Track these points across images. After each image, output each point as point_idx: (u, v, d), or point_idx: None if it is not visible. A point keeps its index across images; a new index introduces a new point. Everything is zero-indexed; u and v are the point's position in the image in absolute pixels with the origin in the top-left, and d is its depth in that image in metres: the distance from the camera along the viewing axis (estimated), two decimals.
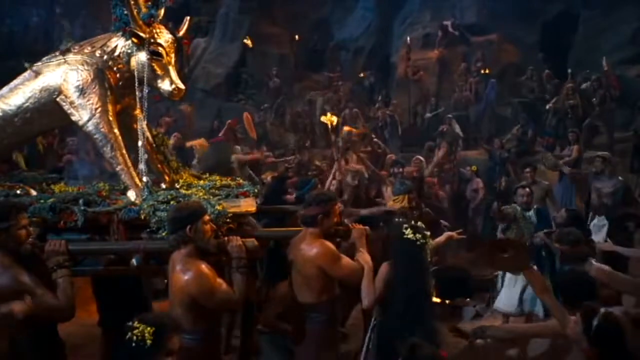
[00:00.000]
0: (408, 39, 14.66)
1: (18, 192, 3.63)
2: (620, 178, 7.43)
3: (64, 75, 3.66)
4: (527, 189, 6.24)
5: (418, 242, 3.27)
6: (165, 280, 3.96)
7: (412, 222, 3.46)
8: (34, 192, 3.70)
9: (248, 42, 15.77)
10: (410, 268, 3.27)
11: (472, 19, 15.56)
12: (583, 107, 11.70)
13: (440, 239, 4.15)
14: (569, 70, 12.71)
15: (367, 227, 3.73)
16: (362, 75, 16.11)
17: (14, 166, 5.24)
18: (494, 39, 15.01)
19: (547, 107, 12.06)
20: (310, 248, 3.38)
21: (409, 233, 3.28)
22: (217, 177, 4.31)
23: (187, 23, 3.95)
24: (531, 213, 6.05)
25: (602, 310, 2.77)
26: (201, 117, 14.56)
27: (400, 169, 7.41)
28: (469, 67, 14.61)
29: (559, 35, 14.19)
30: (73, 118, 3.69)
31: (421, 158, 9.51)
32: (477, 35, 15.23)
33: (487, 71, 13.93)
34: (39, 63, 3.81)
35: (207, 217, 3.15)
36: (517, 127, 11.94)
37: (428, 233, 3.38)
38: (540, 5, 14.81)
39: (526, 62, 14.22)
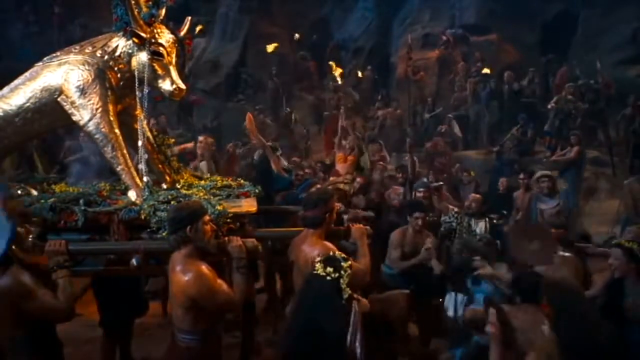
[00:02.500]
0: (409, 38, 14.65)
1: (19, 192, 3.63)
2: (560, 198, 7.07)
3: (64, 75, 3.67)
4: (478, 195, 5.96)
5: (329, 277, 2.84)
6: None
7: (332, 254, 3.06)
8: (34, 192, 3.70)
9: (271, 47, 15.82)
10: (315, 307, 2.79)
11: (472, 19, 15.55)
12: (579, 107, 11.74)
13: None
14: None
15: (367, 227, 3.73)
16: (360, 75, 16.11)
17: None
18: (494, 39, 15.01)
19: (549, 106, 12.06)
20: (312, 249, 3.36)
21: (319, 268, 2.87)
22: (218, 178, 4.32)
23: (188, 23, 3.96)
24: (476, 224, 5.61)
25: None
26: (201, 117, 14.57)
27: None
28: (469, 67, 14.61)
29: (558, 36, 14.19)
30: (74, 118, 3.70)
31: (415, 158, 9.55)
32: (476, 35, 15.22)
33: (487, 71, 13.91)
34: (40, 63, 3.82)
35: (207, 218, 3.14)
36: (517, 127, 11.94)
37: (347, 263, 2.93)
38: (540, 6, 14.81)
39: (526, 62, 14.22)
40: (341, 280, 2.85)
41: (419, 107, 14.41)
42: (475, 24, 15.35)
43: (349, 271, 2.89)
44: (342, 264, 2.91)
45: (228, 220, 3.45)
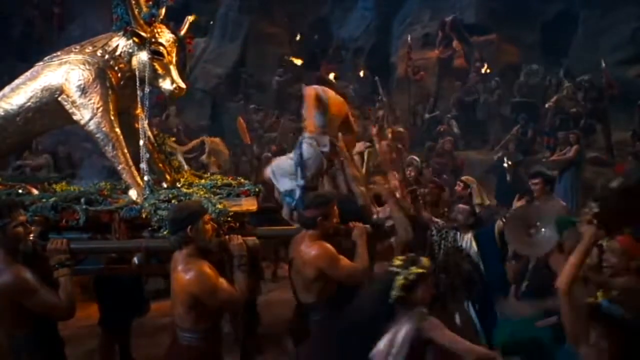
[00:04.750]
0: (409, 38, 14.66)
1: (20, 191, 3.64)
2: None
3: (65, 74, 3.68)
4: (468, 207, 5.04)
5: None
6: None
7: None
8: (35, 191, 3.71)
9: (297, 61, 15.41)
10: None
11: (472, 19, 15.52)
12: (580, 106, 11.72)
13: None
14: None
15: (367, 226, 3.73)
16: (361, 74, 16.10)
17: None
18: (494, 39, 14.99)
19: (547, 105, 12.05)
20: (309, 250, 3.39)
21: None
22: (219, 177, 4.33)
23: (188, 22, 3.97)
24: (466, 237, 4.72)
25: None
26: (201, 117, 14.58)
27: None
28: (468, 66, 14.61)
29: (558, 35, 14.20)
30: (75, 117, 3.71)
31: (416, 158, 9.50)
32: (476, 35, 15.22)
33: (487, 71, 13.91)
34: (41, 63, 3.83)
35: (207, 217, 3.16)
36: (517, 127, 11.94)
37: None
38: (540, 5, 14.80)
39: (526, 62, 14.23)
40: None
41: (419, 107, 14.43)
42: (475, 24, 15.33)
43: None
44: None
45: (229, 218, 3.47)
